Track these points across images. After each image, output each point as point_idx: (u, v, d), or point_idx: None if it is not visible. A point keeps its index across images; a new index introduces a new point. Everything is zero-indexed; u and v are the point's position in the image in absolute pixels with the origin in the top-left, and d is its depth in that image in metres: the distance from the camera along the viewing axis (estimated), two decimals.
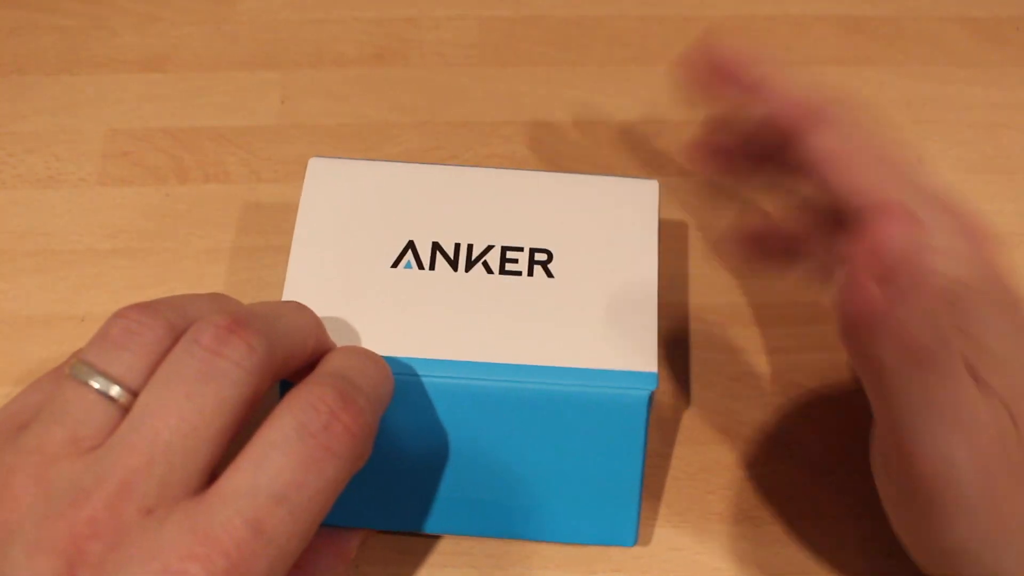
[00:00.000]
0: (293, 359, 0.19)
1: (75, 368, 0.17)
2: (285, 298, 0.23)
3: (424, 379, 0.22)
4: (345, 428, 0.16)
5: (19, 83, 0.34)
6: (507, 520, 0.23)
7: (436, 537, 0.25)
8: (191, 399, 0.16)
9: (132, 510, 0.15)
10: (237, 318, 0.17)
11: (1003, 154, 0.33)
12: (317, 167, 0.24)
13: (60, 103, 0.33)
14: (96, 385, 0.16)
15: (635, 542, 0.23)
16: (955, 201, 0.21)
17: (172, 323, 0.17)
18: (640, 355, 0.22)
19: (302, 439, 0.16)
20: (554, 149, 0.33)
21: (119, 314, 0.17)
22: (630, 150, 0.33)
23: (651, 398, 0.22)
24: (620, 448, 0.22)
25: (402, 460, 0.22)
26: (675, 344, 0.29)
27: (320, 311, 0.21)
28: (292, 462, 0.16)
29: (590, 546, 0.25)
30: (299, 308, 0.20)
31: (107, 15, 0.35)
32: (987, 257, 0.21)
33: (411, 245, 0.23)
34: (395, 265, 0.23)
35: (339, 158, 0.25)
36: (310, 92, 0.34)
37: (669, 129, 0.33)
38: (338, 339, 0.22)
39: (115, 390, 0.16)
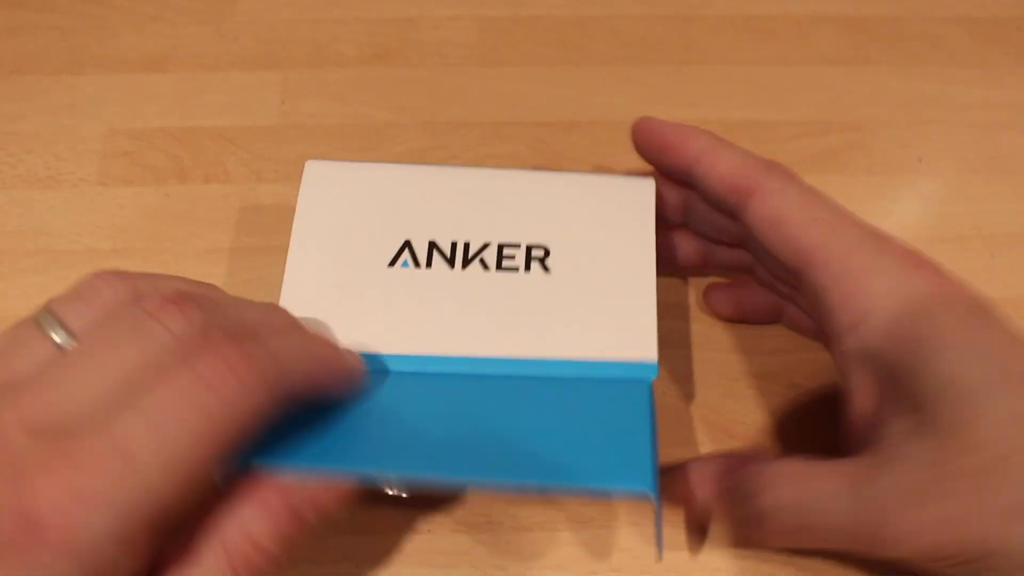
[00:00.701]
0: (287, 388, 0.18)
1: (39, 313, 0.18)
2: (283, 298, 0.23)
3: (424, 374, 0.22)
4: (225, 363, 0.17)
5: (19, 83, 0.34)
6: (514, 462, 0.20)
7: (436, 537, 0.25)
8: (110, 346, 0.17)
9: (14, 420, 0.16)
10: (184, 293, 0.18)
11: (1003, 154, 0.33)
12: (314, 169, 0.24)
13: (60, 103, 0.33)
14: (48, 330, 0.18)
15: (653, 488, 0.19)
16: (894, 239, 0.22)
17: (139, 291, 0.18)
18: (640, 344, 0.22)
19: (181, 366, 0.16)
20: (554, 149, 0.33)
21: (95, 273, 0.19)
22: (630, 150, 0.33)
23: (652, 386, 0.22)
24: (628, 433, 0.21)
25: (406, 431, 0.21)
26: (675, 344, 0.29)
27: (318, 310, 0.21)
28: (171, 392, 0.16)
29: (591, 547, 0.25)
30: (307, 340, 0.20)
31: (107, 15, 0.35)
32: (941, 277, 0.21)
33: (407, 244, 0.23)
34: (392, 264, 0.23)
35: (335, 160, 0.25)
36: (310, 92, 0.34)
37: None
38: (336, 337, 0.22)
39: (61, 335, 0.17)
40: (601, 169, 0.32)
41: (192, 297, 0.18)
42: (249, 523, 0.18)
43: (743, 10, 0.37)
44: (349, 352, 0.21)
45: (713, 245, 0.28)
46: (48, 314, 0.18)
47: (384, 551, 0.25)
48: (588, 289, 0.23)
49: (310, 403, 0.19)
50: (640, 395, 0.21)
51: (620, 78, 0.35)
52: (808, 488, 0.20)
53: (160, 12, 0.36)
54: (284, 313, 0.21)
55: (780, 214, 0.22)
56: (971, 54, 0.36)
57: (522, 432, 0.21)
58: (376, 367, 0.22)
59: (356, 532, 0.25)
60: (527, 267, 0.23)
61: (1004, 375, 0.19)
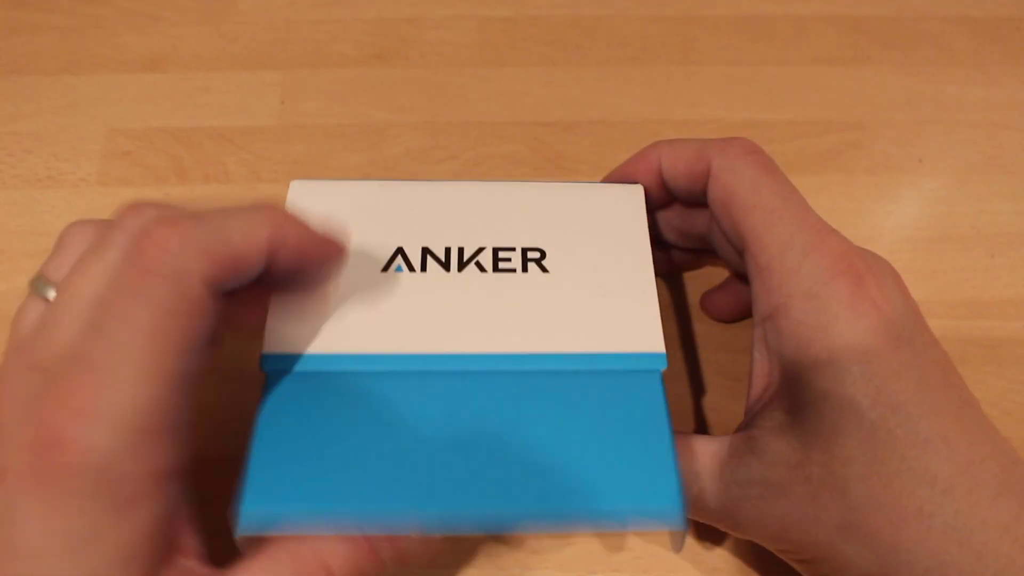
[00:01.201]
0: (230, 254, 0.18)
1: (32, 280, 0.20)
2: (272, 309, 0.22)
3: (429, 374, 0.21)
4: (158, 245, 0.17)
5: (19, 83, 0.34)
6: (530, 497, 0.20)
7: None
8: (80, 275, 0.18)
9: (23, 366, 0.17)
10: (133, 205, 0.19)
11: (1003, 154, 0.33)
12: (298, 189, 0.24)
13: (60, 103, 0.33)
14: (41, 291, 0.19)
15: (683, 517, 0.19)
16: (833, 237, 0.21)
17: (105, 224, 0.19)
18: (646, 336, 0.22)
19: (126, 267, 0.17)
20: (554, 149, 0.33)
21: (68, 225, 0.20)
22: (630, 150, 0.33)
23: (663, 377, 0.22)
24: (644, 426, 0.21)
25: (408, 456, 0.20)
26: (675, 344, 0.29)
27: (310, 316, 0.21)
28: (119, 296, 0.17)
29: (591, 547, 0.25)
30: (251, 208, 0.19)
31: (107, 15, 0.35)
32: (860, 289, 0.20)
33: (400, 251, 0.23)
34: (385, 270, 0.23)
35: (320, 180, 0.25)
36: (310, 92, 0.34)
37: (669, 129, 0.33)
38: (334, 341, 0.21)
39: (51, 291, 0.19)
40: (601, 170, 0.32)
41: (141, 204, 0.18)
42: (325, 547, 0.18)
43: (743, 10, 0.37)
44: (323, 233, 0.20)
45: (683, 252, 0.28)
46: (38, 278, 0.19)
47: None
48: (588, 286, 0.23)
49: (294, 280, 0.20)
50: (652, 388, 0.21)
51: (620, 78, 0.35)
52: (685, 464, 0.21)
53: (160, 12, 0.36)
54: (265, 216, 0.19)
55: (728, 196, 0.22)
56: (971, 54, 0.36)
57: (536, 455, 0.20)
58: (376, 368, 0.21)
59: None
60: (524, 268, 0.23)
61: (879, 400, 0.19)
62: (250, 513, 0.18)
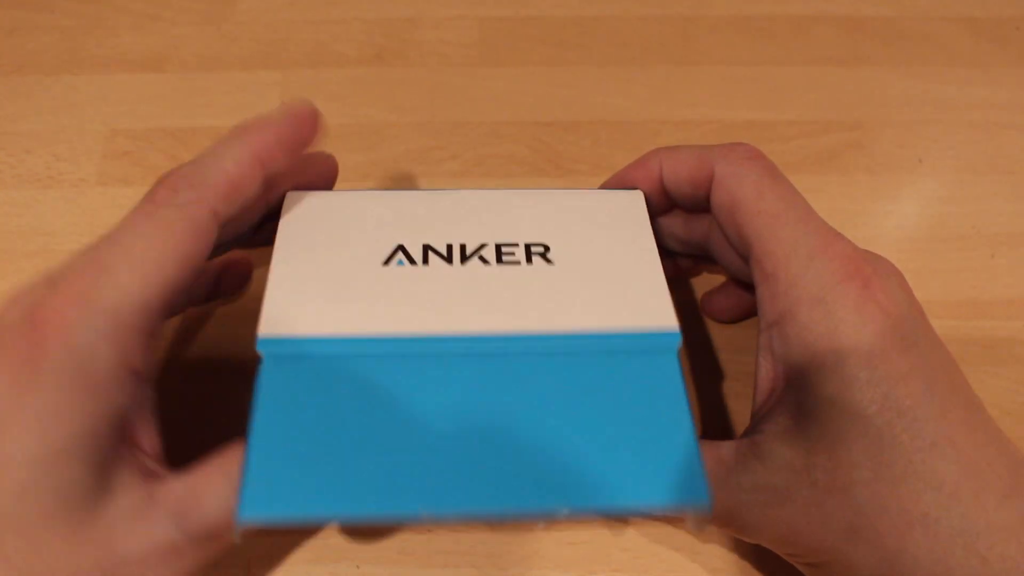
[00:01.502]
0: (226, 179, 0.21)
1: None
2: (267, 297, 0.21)
3: (440, 356, 0.21)
4: (166, 186, 0.20)
5: (19, 83, 0.34)
6: (550, 486, 0.19)
7: (436, 537, 0.25)
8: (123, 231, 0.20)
9: (39, 279, 0.19)
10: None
11: (1003, 154, 0.33)
12: (293, 200, 0.24)
13: (60, 103, 0.33)
14: None
15: (709, 500, 0.19)
16: (838, 241, 0.21)
17: None
18: (658, 314, 0.22)
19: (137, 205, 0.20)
20: (554, 149, 0.33)
21: None
22: (630, 150, 0.33)
23: (679, 355, 0.21)
24: (661, 406, 0.20)
25: (414, 448, 0.20)
26: None
27: (313, 309, 0.21)
28: (132, 217, 0.20)
29: (591, 547, 0.25)
30: (233, 136, 0.22)
31: (107, 15, 0.35)
32: (867, 292, 0.20)
33: (401, 247, 0.23)
34: (386, 263, 0.22)
35: (315, 192, 0.24)
36: (310, 92, 0.34)
37: (669, 129, 0.33)
38: (333, 323, 0.21)
39: None
40: (601, 170, 0.32)
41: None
42: None
43: (743, 10, 0.37)
44: (294, 119, 0.22)
45: (682, 258, 0.28)
46: None
47: (384, 551, 0.25)
48: (595, 273, 0.22)
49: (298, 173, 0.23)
50: (669, 367, 0.21)
51: (620, 78, 0.35)
52: None
53: (160, 12, 0.36)
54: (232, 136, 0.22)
55: (732, 201, 0.22)
56: (971, 54, 0.36)
57: (550, 443, 0.20)
58: (377, 351, 0.21)
59: (356, 532, 0.25)
60: (528, 260, 0.23)
61: (886, 405, 0.19)
62: (250, 509, 0.18)
